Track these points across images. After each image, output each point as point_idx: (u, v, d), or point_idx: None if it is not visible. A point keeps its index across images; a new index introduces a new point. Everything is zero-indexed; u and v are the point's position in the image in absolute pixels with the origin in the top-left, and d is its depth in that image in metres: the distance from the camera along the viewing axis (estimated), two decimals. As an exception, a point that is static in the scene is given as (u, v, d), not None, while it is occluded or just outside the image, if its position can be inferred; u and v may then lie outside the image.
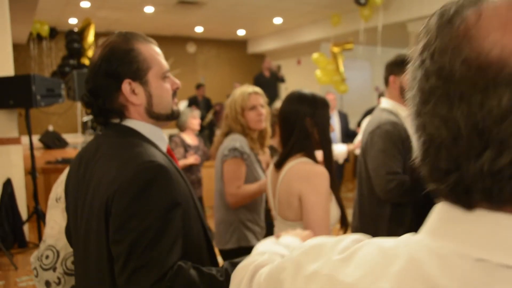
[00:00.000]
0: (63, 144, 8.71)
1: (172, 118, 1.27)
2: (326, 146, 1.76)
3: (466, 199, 0.48)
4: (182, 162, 4.14)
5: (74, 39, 8.85)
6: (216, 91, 11.37)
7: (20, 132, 5.01)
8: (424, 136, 0.51)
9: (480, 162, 0.45)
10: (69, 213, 1.31)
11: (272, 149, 2.98)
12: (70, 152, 7.71)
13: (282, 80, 9.51)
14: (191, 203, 1.21)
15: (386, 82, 2.45)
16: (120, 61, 1.17)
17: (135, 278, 1.01)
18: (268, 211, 2.59)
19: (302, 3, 8.30)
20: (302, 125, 1.72)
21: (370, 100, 10.74)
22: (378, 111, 2.47)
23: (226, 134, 2.57)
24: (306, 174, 1.66)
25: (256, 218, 2.52)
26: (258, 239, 2.42)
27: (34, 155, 4.72)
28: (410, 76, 0.55)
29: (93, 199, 1.13)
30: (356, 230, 2.50)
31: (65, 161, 6.24)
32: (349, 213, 2.04)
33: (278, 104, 2.86)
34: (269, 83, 8.76)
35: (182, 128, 4.39)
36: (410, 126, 2.38)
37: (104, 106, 1.19)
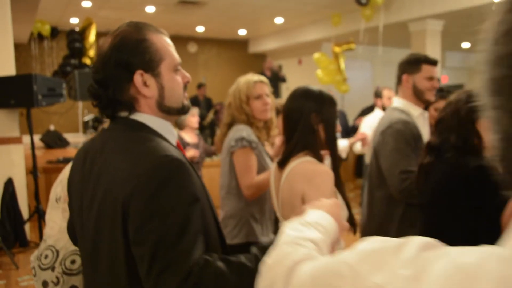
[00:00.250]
0: (64, 143, 8.72)
1: (182, 112, 1.23)
2: (332, 145, 1.69)
3: None
4: None
5: (76, 38, 8.86)
6: (217, 90, 11.36)
7: (21, 132, 5.02)
8: (499, 132, 0.46)
9: None
10: (72, 211, 1.27)
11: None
12: (72, 152, 7.71)
13: (283, 79, 9.51)
14: (205, 197, 1.18)
15: (399, 80, 2.43)
16: (132, 51, 1.12)
17: (162, 279, 0.98)
18: None
19: (303, 3, 8.29)
20: (307, 121, 1.64)
21: (371, 100, 10.72)
22: (389, 111, 2.45)
23: (229, 124, 2.47)
24: (309, 174, 1.58)
25: (265, 209, 2.43)
26: (265, 234, 2.36)
27: (35, 154, 4.72)
28: (482, 66, 0.49)
29: (104, 198, 1.08)
30: (365, 230, 2.49)
31: (66, 161, 6.25)
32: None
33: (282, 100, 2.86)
34: (270, 83, 8.74)
35: (181, 126, 4.39)
36: (422, 126, 2.32)
37: (114, 97, 1.13)
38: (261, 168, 2.36)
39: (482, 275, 0.42)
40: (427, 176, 1.72)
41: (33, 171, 4.69)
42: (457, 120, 1.65)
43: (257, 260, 1.08)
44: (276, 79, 9.29)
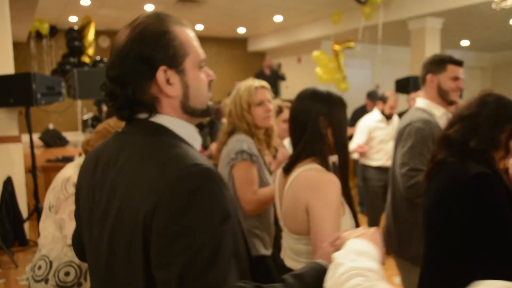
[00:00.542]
0: (63, 142, 8.71)
1: (206, 114, 1.09)
2: (342, 150, 1.57)
3: None
4: None
5: (75, 37, 8.84)
6: (217, 89, 11.35)
7: (20, 131, 5.01)
8: None
9: None
10: (80, 223, 1.14)
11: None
12: (71, 150, 7.70)
13: (282, 78, 9.50)
14: (235, 211, 1.02)
15: (423, 80, 2.40)
16: (155, 44, 0.98)
17: None
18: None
19: (302, 1, 8.28)
20: (314, 125, 1.53)
21: (370, 98, 10.72)
22: (412, 110, 2.43)
23: (230, 133, 2.35)
24: (314, 184, 1.47)
25: (265, 225, 2.31)
26: (266, 248, 2.27)
27: (35, 153, 4.72)
28: None
29: (121, 213, 0.94)
30: (388, 232, 2.45)
31: (66, 159, 6.24)
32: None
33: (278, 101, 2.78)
34: (270, 81, 8.72)
35: None
36: (444, 126, 2.32)
37: (134, 96, 0.98)
38: (260, 182, 2.25)
39: None
40: (436, 175, 1.63)
41: (32, 170, 4.69)
42: (489, 125, 1.53)
43: None
44: (275, 78, 9.28)
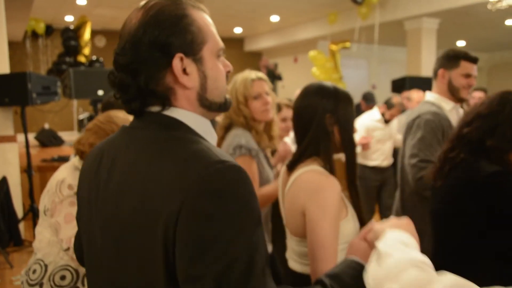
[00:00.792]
0: (59, 142, 8.68)
1: (224, 108, 0.98)
2: (349, 149, 1.49)
3: None
4: None
5: (71, 36, 8.81)
6: (213, 89, 11.34)
7: (15, 130, 4.99)
8: None
9: None
10: (81, 225, 1.04)
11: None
12: (66, 150, 7.67)
13: (279, 78, 9.51)
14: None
15: (435, 74, 2.37)
16: (171, 29, 0.87)
17: None
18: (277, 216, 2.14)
19: (299, 1, 8.29)
20: (320, 122, 1.45)
21: (367, 98, 10.75)
22: (421, 104, 2.41)
23: (227, 127, 2.24)
24: (312, 187, 1.40)
25: (264, 219, 2.19)
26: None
27: (30, 153, 4.70)
28: None
29: (133, 216, 0.83)
30: None
31: (61, 159, 6.21)
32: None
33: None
34: (266, 81, 8.76)
35: None
36: (454, 121, 2.25)
37: (146, 87, 0.87)
38: (260, 178, 2.15)
39: None
40: (448, 174, 1.56)
41: (27, 169, 4.67)
42: (510, 125, 1.48)
43: None
44: (272, 77, 9.29)
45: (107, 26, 10.99)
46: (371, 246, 1.04)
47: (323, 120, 1.46)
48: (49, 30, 10.09)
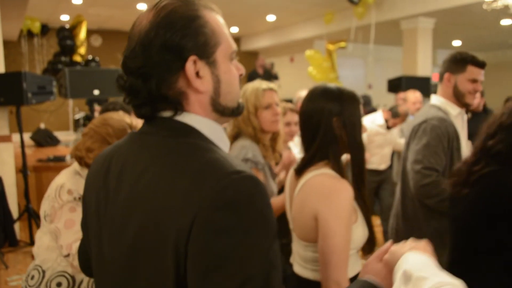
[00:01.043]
0: (55, 141, 8.65)
1: (237, 113, 0.94)
2: (357, 151, 1.46)
3: None
4: None
5: (66, 35, 8.78)
6: (209, 88, 11.34)
7: (11, 130, 4.97)
8: None
9: None
10: (87, 235, 1.00)
11: None
12: (62, 150, 7.65)
13: (275, 77, 9.51)
14: None
15: (441, 78, 2.29)
16: (184, 31, 0.83)
17: None
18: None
19: (295, 1, 8.29)
20: (327, 126, 1.43)
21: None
22: (426, 107, 2.33)
23: (234, 137, 2.22)
24: (325, 191, 1.37)
25: None
26: None
27: (25, 153, 4.68)
28: None
29: (144, 230, 0.79)
30: (396, 232, 2.39)
31: (57, 159, 6.19)
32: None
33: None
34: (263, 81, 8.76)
35: None
36: (460, 126, 2.21)
37: (158, 91, 0.84)
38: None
39: None
40: (473, 185, 1.53)
41: (23, 169, 4.65)
42: None
43: None
44: (268, 77, 9.29)
45: (103, 25, 10.96)
46: (387, 267, 1.02)
47: (330, 124, 1.43)
48: (45, 29, 10.04)
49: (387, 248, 1.06)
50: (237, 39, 12.88)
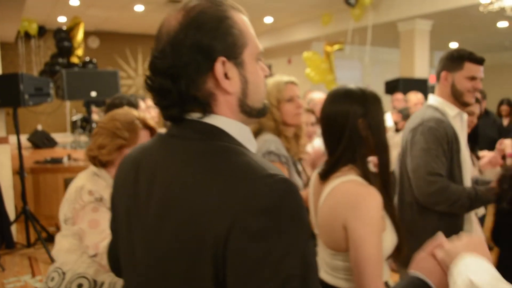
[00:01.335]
0: (52, 143, 8.63)
1: (262, 114, 0.94)
2: (382, 152, 1.42)
3: None
4: None
5: (63, 37, 8.77)
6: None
7: (8, 132, 4.95)
8: None
9: None
10: (117, 237, 1.01)
11: None
12: (59, 152, 7.63)
13: (273, 79, 9.52)
14: None
15: (437, 77, 2.19)
16: (214, 32, 0.84)
17: None
18: None
19: (292, 3, 8.30)
20: (353, 128, 1.39)
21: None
22: (423, 108, 2.22)
23: (256, 133, 2.17)
24: (353, 200, 1.33)
25: None
26: None
27: (22, 154, 4.66)
28: None
29: (178, 234, 0.79)
30: None
31: (54, 161, 6.18)
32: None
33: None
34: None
35: (168, 127, 4.31)
36: (459, 128, 2.11)
37: (187, 92, 0.84)
38: None
39: None
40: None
41: (20, 171, 4.63)
42: None
43: None
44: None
45: (100, 27, 10.95)
46: (441, 265, 0.99)
47: (356, 126, 1.40)
48: (42, 31, 10.03)
49: (438, 243, 1.03)
50: (234, 40, 12.90)
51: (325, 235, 1.43)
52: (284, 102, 2.14)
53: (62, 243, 1.74)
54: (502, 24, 8.79)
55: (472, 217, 2.16)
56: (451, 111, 2.12)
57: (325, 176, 1.45)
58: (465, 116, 2.21)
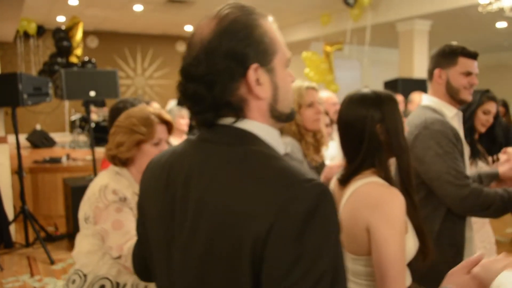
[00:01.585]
0: (51, 143, 8.63)
1: (289, 119, 0.98)
2: (403, 155, 1.41)
3: None
4: None
5: (62, 37, 8.76)
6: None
7: (6, 131, 4.95)
8: None
9: None
10: (146, 240, 1.03)
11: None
12: (58, 151, 7.63)
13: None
14: None
15: (430, 75, 2.08)
16: (247, 39, 0.88)
17: None
18: None
19: (291, 3, 8.30)
20: (372, 134, 1.38)
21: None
22: (419, 110, 2.07)
23: None
24: (375, 201, 1.32)
25: None
26: None
27: (21, 154, 4.66)
28: None
29: (216, 237, 0.82)
30: None
31: (53, 161, 6.17)
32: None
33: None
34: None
35: None
36: (457, 128, 1.99)
37: (222, 98, 0.87)
38: None
39: None
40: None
41: (18, 171, 4.63)
42: None
43: None
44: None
45: (99, 26, 10.94)
46: (475, 281, 0.99)
47: (374, 131, 1.39)
48: (41, 30, 10.02)
49: (476, 259, 1.02)
50: (233, 40, 12.90)
51: (347, 239, 1.39)
52: (305, 107, 2.17)
53: (83, 244, 1.71)
54: (501, 24, 8.80)
55: (472, 224, 2.08)
56: (449, 112, 2.03)
57: (345, 181, 1.44)
58: (461, 113, 2.12)
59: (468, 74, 1.99)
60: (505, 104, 6.03)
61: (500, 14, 6.60)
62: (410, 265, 1.39)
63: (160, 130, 1.73)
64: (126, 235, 1.58)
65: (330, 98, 3.31)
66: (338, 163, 2.30)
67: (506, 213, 1.93)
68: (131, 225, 1.58)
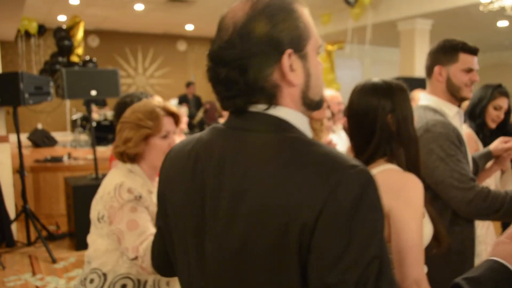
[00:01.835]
0: (52, 142, 8.64)
1: (318, 107, 0.94)
2: (411, 145, 1.40)
3: None
4: None
5: (63, 36, 8.77)
6: (207, 89, 11.30)
7: (8, 130, 4.96)
8: None
9: None
10: (168, 233, 1.00)
11: None
12: (59, 151, 7.64)
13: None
14: None
15: (429, 73, 2.02)
16: (282, 23, 0.84)
17: None
18: None
19: (293, 1, 8.30)
20: (384, 124, 1.37)
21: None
22: (419, 111, 1.95)
23: None
24: (396, 186, 1.30)
25: None
26: None
27: (23, 153, 4.66)
28: None
29: (258, 225, 0.79)
30: None
31: (54, 160, 6.18)
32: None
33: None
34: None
35: None
36: (458, 127, 1.91)
37: (255, 83, 0.84)
38: None
39: None
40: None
41: (20, 170, 4.64)
42: None
43: None
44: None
45: (100, 26, 10.95)
46: None
47: (385, 122, 1.37)
48: (42, 29, 10.03)
49: None
50: (234, 40, 12.91)
51: None
52: None
53: (98, 243, 1.67)
54: (502, 23, 8.79)
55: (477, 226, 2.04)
56: (450, 111, 1.95)
57: None
58: (463, 114, 2.06)
59: (469, 70, 1.93)
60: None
61: (501, 13, 6.60)
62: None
63: (167, 122, 1.71)
64: (142, 236, 1.55)
65: (335, 97, 3.32)
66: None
67: None
68: (146, 224, 1.56)
